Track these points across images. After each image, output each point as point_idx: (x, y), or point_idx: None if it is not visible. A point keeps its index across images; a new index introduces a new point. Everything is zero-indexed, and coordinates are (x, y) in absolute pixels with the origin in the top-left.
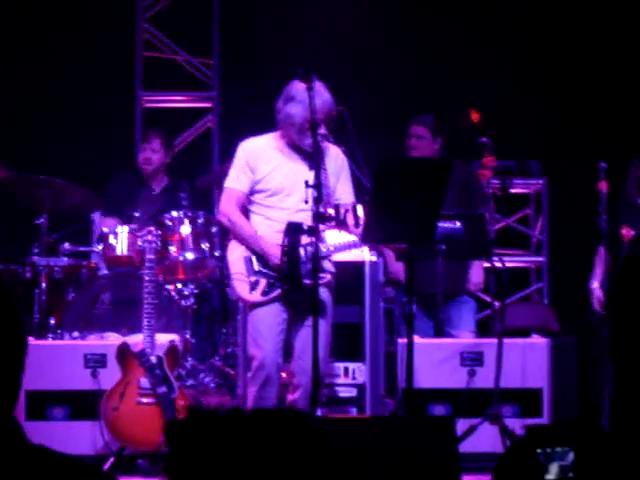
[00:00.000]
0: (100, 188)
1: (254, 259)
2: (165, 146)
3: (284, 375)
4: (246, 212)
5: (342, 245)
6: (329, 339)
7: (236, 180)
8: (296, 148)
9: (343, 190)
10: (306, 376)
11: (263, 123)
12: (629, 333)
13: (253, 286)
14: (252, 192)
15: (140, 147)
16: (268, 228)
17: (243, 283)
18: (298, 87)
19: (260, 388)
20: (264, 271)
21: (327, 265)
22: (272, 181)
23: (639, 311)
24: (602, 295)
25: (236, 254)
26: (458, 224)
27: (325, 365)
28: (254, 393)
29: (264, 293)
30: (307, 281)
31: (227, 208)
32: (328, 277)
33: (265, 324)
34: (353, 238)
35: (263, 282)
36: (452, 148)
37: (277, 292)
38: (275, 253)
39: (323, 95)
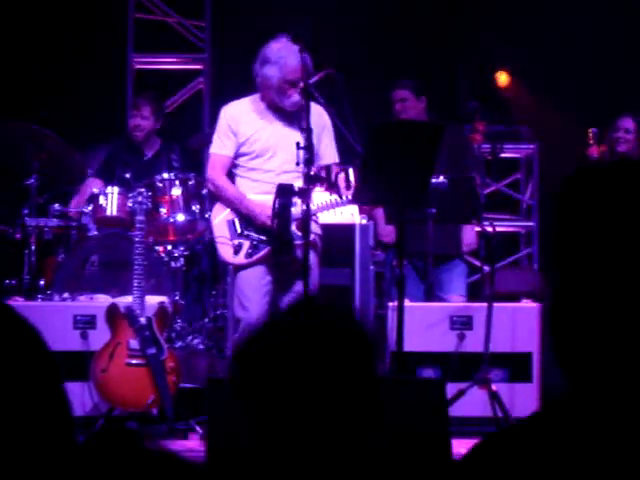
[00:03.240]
0: (90, 151)
1: (237, 222)
2: (155, 113)
3: None
4: (231, 175)
5: (325, 205)
6: None
7: (220, 145)
8: (277, 109)
9: (326, 149)
10: None
11: (254, 85)
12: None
13: (236, 249)
14: (236, 155)
15: (130, 114)
16: (252, 190)
17: (227, 246)
18: (273, 48)
19: None
20: (247, 233)
21: (312, 226)
22: (255, 143)
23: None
24: None
25: (219, 218)
26: (442, 178)
27: None
28: None
29: (248, 255)
30: (295, 242)
31: (213, 174)
32: (312, 237)
33: (250, 286)
34: (337, 199)
35: (246, 244)
36: (443, 112)
37: (261, 254)
38: (263, 212)
39: (298, 53)
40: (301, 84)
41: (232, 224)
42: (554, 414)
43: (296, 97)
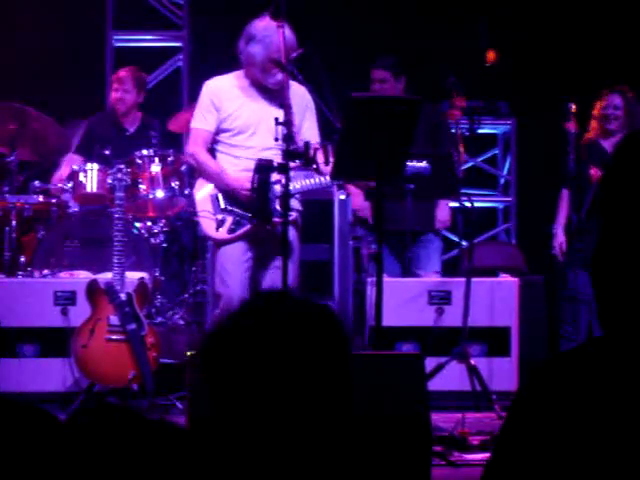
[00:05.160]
0: (71, 127)
1: (220, 197)
2: (137, 86)
3: None
4: (212, 151)
5: (306, 185)
6: (297, 277)
7: (202, 120)
8: (260, 87)
9: (308, 129)
10: None
11: (233, 62)
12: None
13: (219, 224)
14: (218, 131)
15: (112, 87)
16: (234, 167)
17: (210, 221)
18: (258, 26)
19: None
20: (230, 209)
21: (293, 203)
22: (237, 120)
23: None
24: (564, 240)
25: (203, 192)
26: (424, 163)
27: None
28: None
29: (230, 231)
30: (275, 219)
31: (194, 149)
32: (294, 215)
33: (231, 262)
34: (321, 179)
35: (229, 220)
36: (420, 88)
37: (243, 230)
38: (242, 186)
39: (285, 32)
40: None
41: (215, 199)
42: (603, 348)
43: (280, 76)
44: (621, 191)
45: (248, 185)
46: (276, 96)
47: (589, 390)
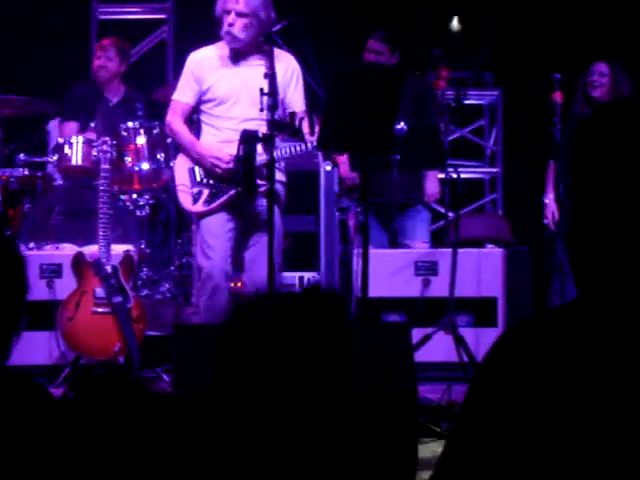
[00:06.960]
0: (56, 98)
1: (197, 170)
2: (120, 55)
3: (239, 284)
4: (198, 122)
5: (288, 152)
6: (279, 250)
7: (181, 92)
8: (242, 55)
9: (294, 98)
10: (256, 287)
11: (218, 34)
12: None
13: (195, 197)
14: (201, 102)
15: (95, 55)
16: (215, 137)
17: (186, 194)
18: None
19: (209, 297)
20: (206, 181)
21: (276, 174)
22: (218, 90)
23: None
24: (556, 209)
25: (181, 166)
26: (402, 124)
27: (277, 276)
28: (204, 302)
29: (207, 203)
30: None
31: (170, 119)
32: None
33: (212, 234)
34: (302, 145)
35: (205, 192)
36: (406, 60)
37: (220, 201)
38: (211, 155)
39: None
40: (230, 19)
41: (192, 172)
42: (569, 313)
43: (226, 27)
44: (591, 164)
45: (222, 155)
46: (259, 65)
47: (555, 355)
